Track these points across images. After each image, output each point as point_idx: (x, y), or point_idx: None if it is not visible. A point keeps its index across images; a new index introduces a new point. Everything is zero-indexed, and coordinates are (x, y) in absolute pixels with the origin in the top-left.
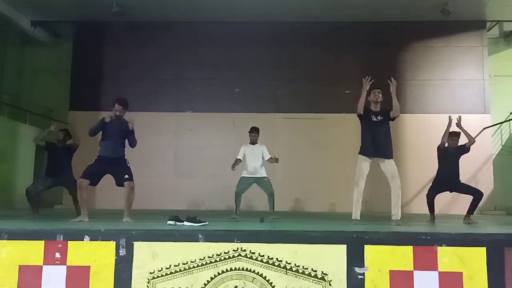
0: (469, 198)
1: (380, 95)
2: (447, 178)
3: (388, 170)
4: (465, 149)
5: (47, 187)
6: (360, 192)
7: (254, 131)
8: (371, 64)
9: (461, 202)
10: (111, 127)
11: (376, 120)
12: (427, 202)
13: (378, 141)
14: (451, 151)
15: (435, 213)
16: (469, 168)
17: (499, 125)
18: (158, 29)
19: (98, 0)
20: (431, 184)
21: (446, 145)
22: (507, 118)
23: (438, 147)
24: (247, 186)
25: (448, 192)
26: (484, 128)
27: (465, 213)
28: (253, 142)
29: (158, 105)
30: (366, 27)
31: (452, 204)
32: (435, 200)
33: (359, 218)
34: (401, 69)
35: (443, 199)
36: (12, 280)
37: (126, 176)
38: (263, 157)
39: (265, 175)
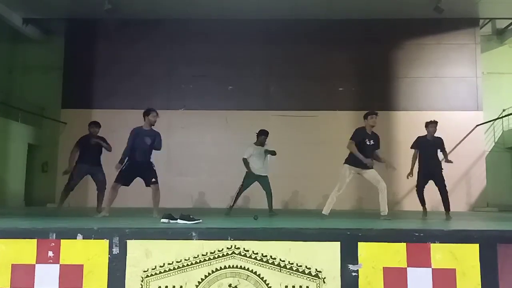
0: (461, 194)
1: (376, 120)
2: (429, 167)
3: (371, 177)
4: (443, 145)
5: (81, 177)
6: (337, 195)
7: (266, 134)
8: (364, 62)
9: (452, 199)
10: (141, 135)
11: (369, 143)
12: (418, 196)
13: (367, 158)
14: (429, 140)
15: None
16: (462, 165)
17: (492, 122)
18: (150, 27)
19: None
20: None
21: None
22: (499, 115)
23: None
24: (251, 182)
25: (433, 182)
26: (477, 125)
27: (445, 212)
28: (262, 145)
29: (150, 103)
30: (359, 24)
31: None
32: (429, 197)
33: (327, 214)
34: (394, 67)
35: (435, 196)
36: (5, 279)
37: (153, 179)
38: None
39: (267, 174)
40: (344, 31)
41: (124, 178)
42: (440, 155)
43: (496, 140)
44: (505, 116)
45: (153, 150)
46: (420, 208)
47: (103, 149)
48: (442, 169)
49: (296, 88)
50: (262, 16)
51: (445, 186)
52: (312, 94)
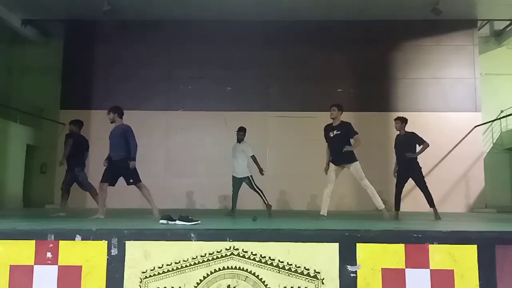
0: (460, 195)
1: (334, 112)
2: (405, 165)
3: (354, 173)
4: (417, 138)
5: (72, 180)
6: (328, 193)
7: (241, 130)
8: (362, 63)
9: (450, 200)
10: (113, 132)
11: (332, 135)
12: (394, 197)
13: (337, 151)
14: (402, 137)
15: (423, 211)
16: (460, 166)
17: (490, 123)
18: (149, 28)
19: None
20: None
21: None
22: (498, 116)
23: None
24: (238, 185)
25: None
26: (475, 127)
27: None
28: (238, 141)
29: (149, 104)
30: (358, 25)
31: (442, 202)
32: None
33: (325, 215)
34: (393, 68)
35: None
36: (3, 280)
37: (131, 180)
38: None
39: (246, 175)
40: (343, 33)
41: (107, 177)
42: (437, 152)
43: (494, 141)
44: (503, 117)
45: (137, 148)
46: (419, 209)
47: (88, 149)
48: (420, 167)
49: (295, 89)
50: (261, 17)
51: (425, 183)
52: (311, 95)
